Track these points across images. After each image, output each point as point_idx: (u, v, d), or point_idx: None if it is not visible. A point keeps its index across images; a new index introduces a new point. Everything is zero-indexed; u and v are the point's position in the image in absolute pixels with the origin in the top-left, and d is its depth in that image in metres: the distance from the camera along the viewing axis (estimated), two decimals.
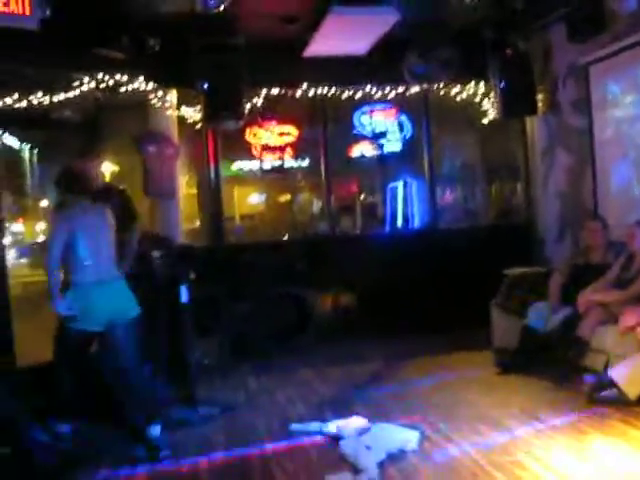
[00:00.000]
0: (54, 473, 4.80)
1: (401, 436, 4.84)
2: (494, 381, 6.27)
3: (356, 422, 5.12)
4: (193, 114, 8.23)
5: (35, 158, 11.33)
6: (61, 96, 7.10)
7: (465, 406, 5.59)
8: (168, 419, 5.62)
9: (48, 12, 5.96)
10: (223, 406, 6.00)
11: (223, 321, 7.43)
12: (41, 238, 14.61)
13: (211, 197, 8.56)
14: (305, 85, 8.47)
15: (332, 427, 5.14)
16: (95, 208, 5.39)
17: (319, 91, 8.55)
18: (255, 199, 11.98)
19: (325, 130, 8.81)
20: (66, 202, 5.39)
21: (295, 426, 5.32)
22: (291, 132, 9.02)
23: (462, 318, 7.60)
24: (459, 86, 8.94)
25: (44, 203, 13.86)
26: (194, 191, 9.43)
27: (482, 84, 8.92)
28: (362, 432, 4.97)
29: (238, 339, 7.63)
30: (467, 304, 7.55)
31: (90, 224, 5.24)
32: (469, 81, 8.94)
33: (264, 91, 8.38)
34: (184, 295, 6.06)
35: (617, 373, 5.28)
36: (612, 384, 5.26)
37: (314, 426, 5.25)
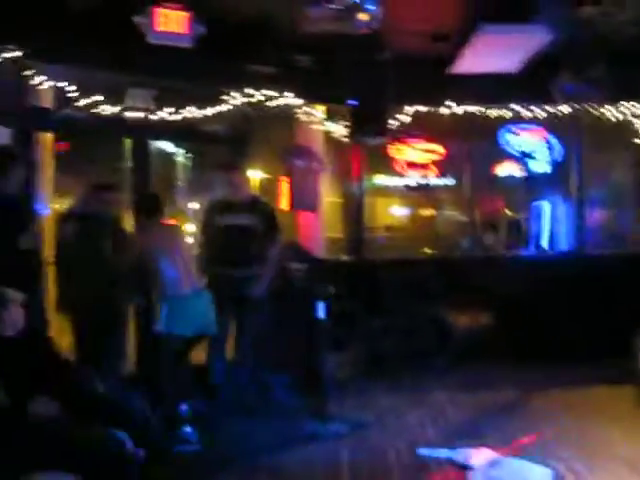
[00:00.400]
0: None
1: (533, 473, 4.70)
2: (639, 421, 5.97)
3: (487, 454, 5.02)
4: (339, 129, 8.32)
5: (188, 164, 11.79)
6: (212, 110, 7.33)
7: (605, 447, 5.31)
8: (299, 432, 5.74)
9: (203, 30, 6.19)
10: (353, 423, 6.02)
11: (358, 337, 7.45)
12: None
13: (354, 212, 8.65)
14: (452, 102, 8.41)
15: (461, 456, 5.06)
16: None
17: (466, 109, 8.47)
18: (397, 211, 11.95)
19: (470, 148, 8.71)
20: None
21: (423, 450, 5.28)
22: (436, 150, 8.95)
23: (605, 349, 7.28)
24: (612, 106, 8.62)
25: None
26: (337, 200, 9.52)
27: (638, 105, 8.56)
28: (493, 465, 4.87)
29: (372, 356, 7.62)
30: (611, 334, 7.23)
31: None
32: (624, 101, 8.59)
33: (410, 107, 8.39)
34: (321, 311, 6.13)
35: None
36: None
37: (443, 452, 5.18)
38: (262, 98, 7.53)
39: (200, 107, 7.24)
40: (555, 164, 9.16)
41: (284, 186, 8.22)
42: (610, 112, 8.66)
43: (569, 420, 6.05)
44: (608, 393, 6.79)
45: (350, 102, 7.60)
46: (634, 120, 8.74)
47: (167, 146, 10.39)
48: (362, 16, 5.23)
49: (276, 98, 7.64)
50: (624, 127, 8.80)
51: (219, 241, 6.52)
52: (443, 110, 8.46)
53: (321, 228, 8.61)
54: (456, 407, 6.56)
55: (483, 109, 8.54)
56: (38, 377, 3.88)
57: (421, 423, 6.08)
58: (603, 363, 7.30)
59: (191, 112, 7.19)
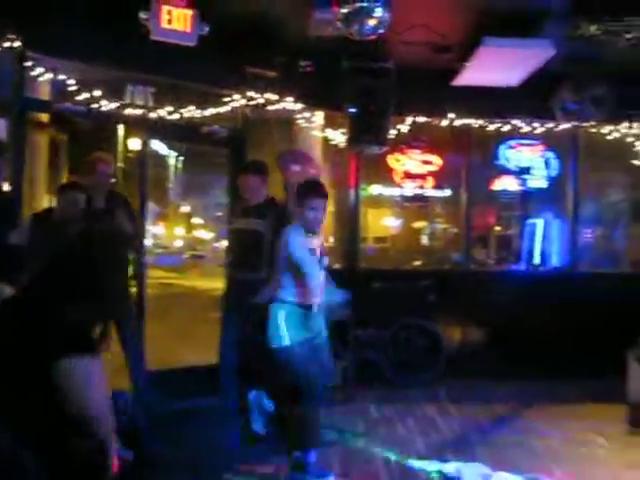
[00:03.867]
0: None
1: None
2: (627, 439, 5.94)
3: (478, 468, 4.98)
4: (338, 136, 8.29)
5: (180, 167, 11.75)
6: (212, 111, 7.28)
7: (594, 464, 5.32)
8: None
9: (207, 29, 6.15)
10: (342, 432, 5.97)
11: (349, 346, 7.39)
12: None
13: (349, 220, 8.60)
14: (452, 115, 8.40)
15: (452, 468, 5.02)
16: None
17: (465, 121, 8.46)
18: (390, 222, 11.92)
19: (469, 161, 8.70)
20: None
21: (413, 462, 5.23)
22: (434, 161, 8.93)
23: (596, 367, 7.24)
24: (611, 125, 8.64)
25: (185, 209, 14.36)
26: (331, 209, 9.46)
27: (636, 124, 8.58)
28: (484, 479, 4.83)
29: (363, 366, 7.57)
30: (603, 352, 7.21)
31: None
32: (623, 121, 8.61)
33: (410, 118, 8.38)
34: None
35: None
36: None
37: (433, 465, 5.14)
38: (262, 101, 7.49)
39: (199, 107, 7.19)
40: (551, 181, 9.16)
41: (280, 192, 8.16)
42: (609, 132, 8.68)
43: (559, 436, 6.04)
44: (598, 411, 6.77)
45: (350, 110, 7.58)
46: (633, 141, 8.74)
47: (160, 147, 10.35)
48: (370, 21, 5.20)
49: (276, 102, 7.60)
50: (622, 147, 8.81)
51: (233, 245, 6.69)
52: (443, 122, 8.45)
53: None
54: (447, 419, 6.55)
55: (483, 122, 8.53)
56: None
57: (411, 434, 6.05)
58: (594, 380, 7.29)
59: (190, 112, 7.14)
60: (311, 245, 4.98)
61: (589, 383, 7.41)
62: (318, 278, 4.95)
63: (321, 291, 5.04)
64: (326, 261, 5.10)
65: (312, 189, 5.11)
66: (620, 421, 6.29)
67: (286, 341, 4.88)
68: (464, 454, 5.35)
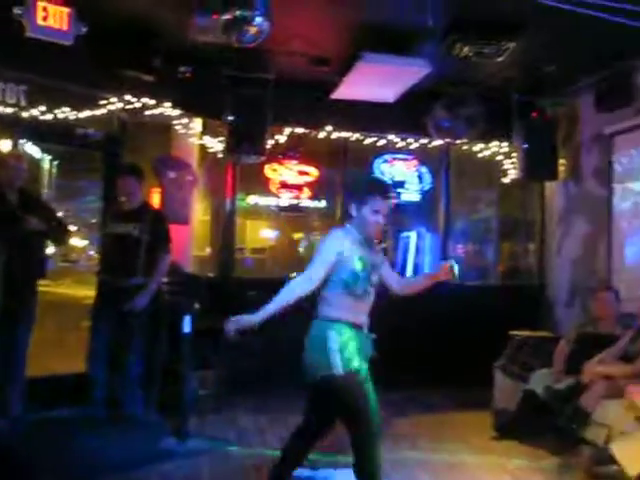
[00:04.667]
0: None
1: None
2: (491, 445, 6.17)
3: (349, 475, 5.01)
4: (215, 144, 8.26)
5: (55, 170, 11.36)
6: (87, 113, 7.12)
7: (457, 469, 5.51)
8: (156, 448, 5.59)
9: (84, 29, 5.99)
10: (213, 441, 5.93)
11: (223, 354, 7.34)
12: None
13: (224, 229, 8.56)
14: (329, 127, 8.52)
15: (323, 475, 5.08)
16: None
17: (342, 134, 8.60)
18: (268, 234, 11.94)
19: (344, 173, 8.82)
20: None
21: None
22: (311, 172, 9.01)
23: (467, 376, 7.45)
24: (482, 144, 8.98)
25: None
26: (207, 218, 9.40)
27: (505, 144, 8.94)
28: None
29: (237, 374, 7.53)
30: (472, 362, 7.41)
31: None
32: (493, 140, 8.97)
33: (288, 129, 8.43)
34: (187, 325, 6.03)
35: (618, 449, 5.16)
36: (612, 459, 5.15)
37: (305, 472, 5.14)
38: (139, 105, 7.38)
39: (74, 109, 7.01)
40: (424, 195, 9.41)
41: (155, 197, 8.05)
42: (480, 149, 9.01)
43: (427, 443, 6.22)
44: (466, 418, 7.04)
45: (228, 118, 7.57)
46: (502, 159, 9.10)
47: (33, 150, 9.99)
48: (250, 30, 5.20)
49: (153, 107, 7.51)
50: (492, 165, 9.16)
51: (107, 250, 6.50)
52: (321, 134, 8.55)
53: (190, 243, 8.48)
54: None
55: (359, 136, 8.69)
56: None
57: (282, 442, 6.03)
58: (465, 391, 7.51)
59: (64, 113, 6.95)
60: (363, 254, 4.20)
61: (461, 392, 7.64)
62: (365, 295, 4.23)
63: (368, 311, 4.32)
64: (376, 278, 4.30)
65: (378, 188, 4.28)
66: (486, 428, 6.54)
67: (349, 365, 4.06)
68: (336, 461, 5.40)
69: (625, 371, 5.80)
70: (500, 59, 6.53)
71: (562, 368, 6.38)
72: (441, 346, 8.21)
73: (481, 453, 5.90)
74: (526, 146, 8.28)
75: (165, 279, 6.70)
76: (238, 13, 5.05)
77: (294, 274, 9.79)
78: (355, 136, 8.69)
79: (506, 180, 9.16)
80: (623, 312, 6.54)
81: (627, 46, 6.54)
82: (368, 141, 8.78)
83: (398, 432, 6.61)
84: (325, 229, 10.98)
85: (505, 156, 9.07)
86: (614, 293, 6.65)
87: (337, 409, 4.24)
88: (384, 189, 4.24)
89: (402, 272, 10.27)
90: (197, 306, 6.39)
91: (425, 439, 6.33)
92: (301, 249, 11.70)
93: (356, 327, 4.18)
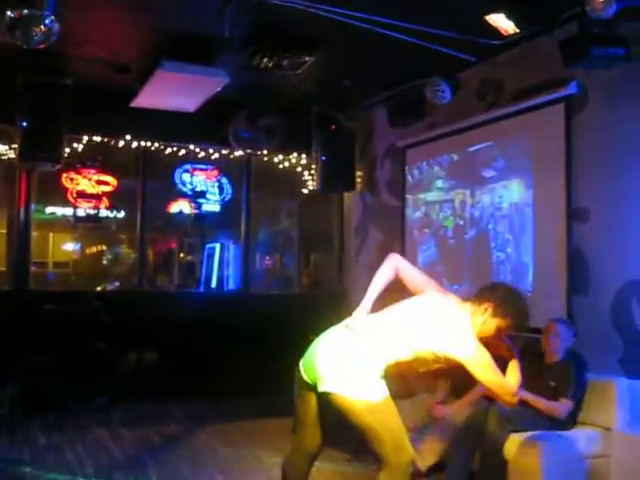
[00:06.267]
0: None
1: None
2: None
3: None
4: (7, 151, 7.87)
5: None
6: None
7: (263, 473, 5.57)
8: None
9: None
10: (4, 461, 5.64)
11: (17, 371, 6.98)
12: None
13: (18, 240, 8.14)
14: (129, 136, 8.36)
15: None
16: None
17: (142, 143, 8.47)
18: (70, 247, 11.56)
19: (144, 183, 8.66)
20: None
21: None
22: (109, 181, 8.80)
23: (271, 383, 7.49)
24: (282, 155, 9.14)
25: None
26: (3, 231, 8.93)
27: (304, 155, 9.15)
28: None
29: (33, 392, 7.15)
30: (277, 369, 7.47)
31: None
32: (292, 151, 9.15)
33: (86, 136, 8.19)
34: None
35: None
36: None
37: None
38: None
39: None
40: (226, 206, 9.45)
41: None
42: (280, 161, 9.17)
43: (229, 451, 6.25)
44: (268, 425, 7.08)
45: (22, 124, 7.24)
46: (301, 171, 9.30)
47: None
48: (38, 30, 4.99)
49: None
50: (292, 176, 9.35)
51: None
52: (120, 142, 8.37)
53: None
54: (118, 442, 6.47)
55: (160, 145, 8.60)
56: None
57: (81, 459, 5.86)
58: (270, 398, 7.55)
59: None
60: None
61: (267, 399, 7.70)
62: None
63: None
64: None
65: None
66: (287, 433, 6.60)
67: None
68: (135, 474, 5.32)
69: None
70: (299, 72, 6.66)
71: None
72: (247, 353, 8.22)
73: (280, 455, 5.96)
74: (324, 158, 8.48)
75: None
76: (25, 11, 4.83)
77: (99, 287, 9.68)
78: (155, 145, 8.58)
79: (306, 191, 9.36)
80: None
81: (419, 64, 6.86)
82: (169, 150, 8.70)
83: (201, 441, 6.64)
84: (127, 240, 10.80)
85: (304, 168, 9.28)
86: None
87: None
88: None
89: (207, 283, 10.28)
90: None
91: (228, 447, 6.38)
92: (105, 262, 11.44)
93: None
